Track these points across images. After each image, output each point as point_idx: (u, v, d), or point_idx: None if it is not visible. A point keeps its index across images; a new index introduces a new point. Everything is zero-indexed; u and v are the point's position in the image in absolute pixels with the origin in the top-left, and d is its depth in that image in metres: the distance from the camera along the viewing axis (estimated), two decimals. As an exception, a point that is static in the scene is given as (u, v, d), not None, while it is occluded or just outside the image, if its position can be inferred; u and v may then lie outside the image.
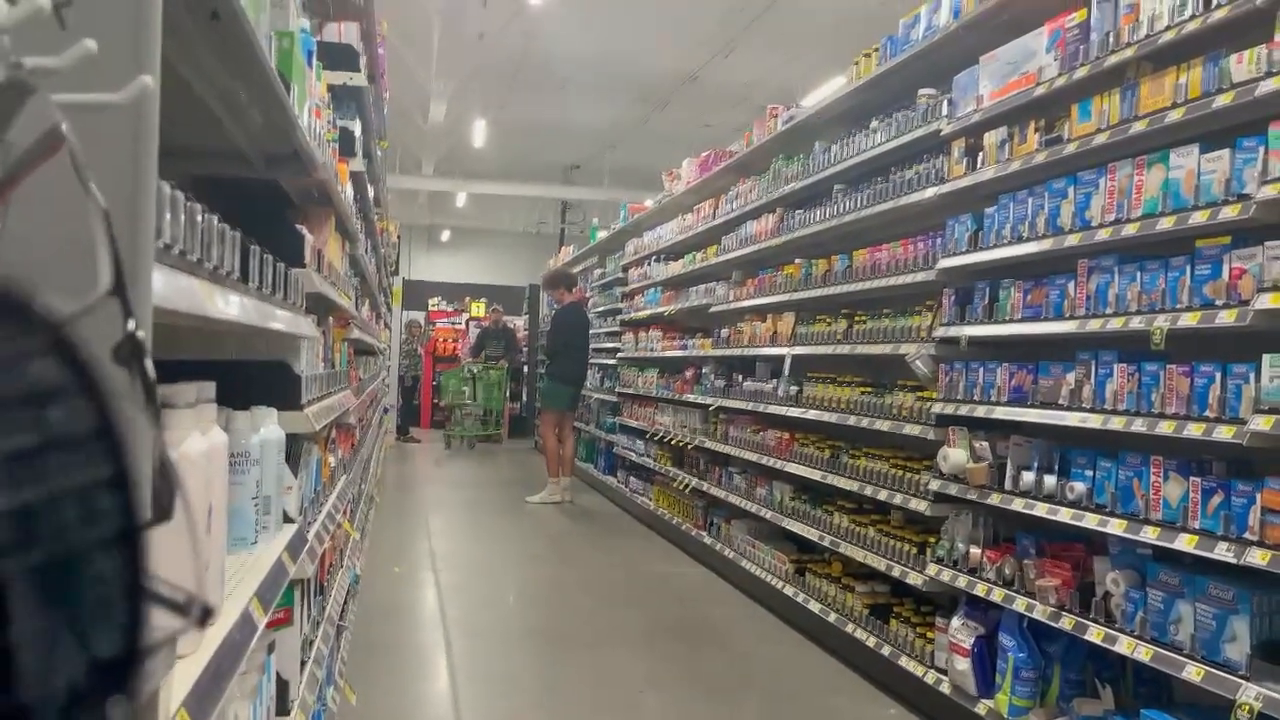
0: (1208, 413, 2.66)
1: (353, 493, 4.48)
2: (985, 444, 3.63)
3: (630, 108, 12.72)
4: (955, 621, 3.64)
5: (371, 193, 5.67)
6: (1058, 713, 3.19)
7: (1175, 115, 2.83)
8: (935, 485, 3.89)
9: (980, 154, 3.81)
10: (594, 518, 8.79)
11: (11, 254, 0.69)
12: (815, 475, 5.08)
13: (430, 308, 18.51)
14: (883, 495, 4.34)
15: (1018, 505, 3.37)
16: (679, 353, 7.99)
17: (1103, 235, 3.09)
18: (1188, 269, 2.79)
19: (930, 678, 3.80)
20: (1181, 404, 2.75)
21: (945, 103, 4.08)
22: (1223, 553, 2.52)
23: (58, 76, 0.52)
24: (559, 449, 9.26)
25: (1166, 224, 2.84)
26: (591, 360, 10.33)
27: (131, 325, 0.47)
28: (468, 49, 10.32)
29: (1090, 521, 3.01)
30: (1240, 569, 2.48)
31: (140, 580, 0.41)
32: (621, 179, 15.85)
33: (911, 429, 4.13)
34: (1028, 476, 3.35)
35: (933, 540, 3.96)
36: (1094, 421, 3.05)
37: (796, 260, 5.69)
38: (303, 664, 2.39)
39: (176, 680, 1.07)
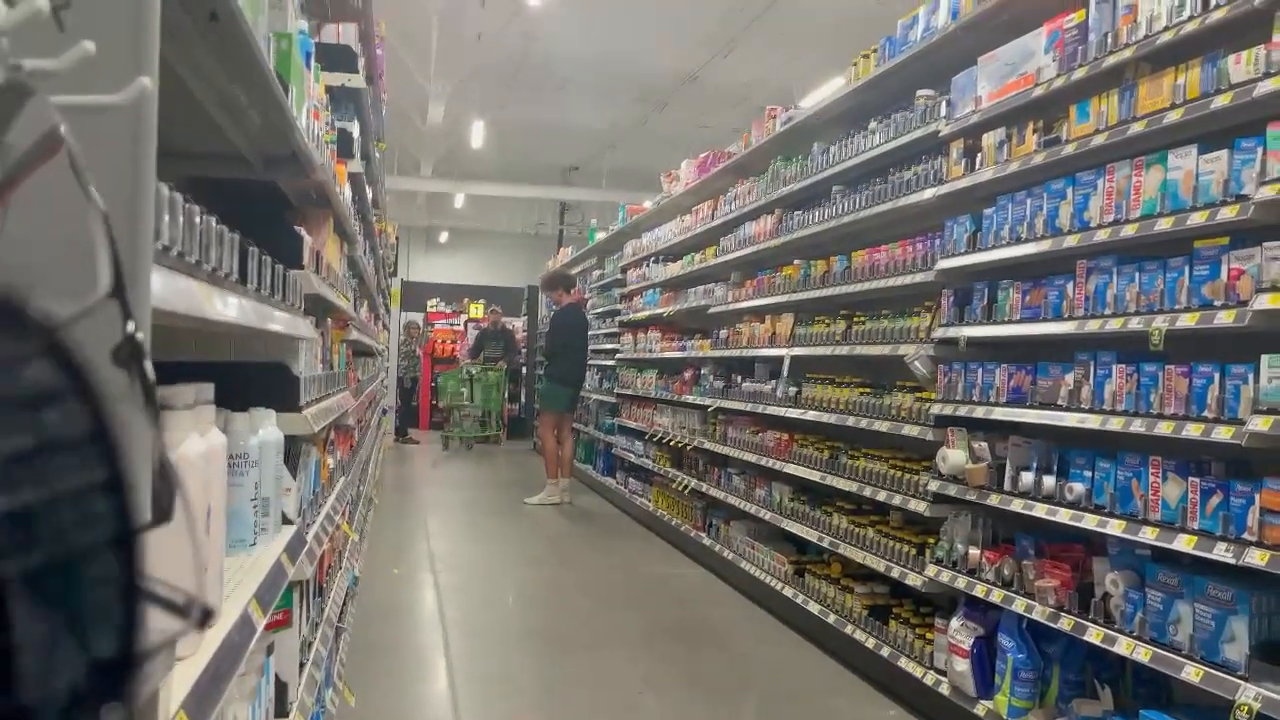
0: (1206, 413, 2.66)
1: (351, 494, 4.48)
2: (984, 445, 3.63)
3: (629, 109, 12.73)
4: (954, 622, 3.64)
5: (370, 194, 5.67)
6: (1057, 713, 3.19)
7: (1173, 116, 2.84)
8: (934, 486, 3.89)
9: (979, 155, 3.81)
10: (593, 519, 8.78)
11: (11, 256, 0.69)
12: (814, 476, 5.08)
13: (429, 309, 18.52)
14: (882, 496, 4.34)
15: (1017, 506, 3.38)
16: (678, 354, 7.99)
17: (1101, 236, 3.09)
18: (1186, 270, 2.80)
19: (929, 679, 3.80)
20: (1180, 404, 2.75)
21: (944, 104, 4.08)
22: (1221, 553, 2.52)
23: (56, 78, 0.52)
24: (558, 450, 9.25)
25: (1165, 225, 2.84)
26: (590, 361, 10.33)
27: (131, 327, 0.47)
28: (466, 50, 10.32)
29: (1089, 522, 3.02)
30: (1239, 569, 2.48)
31: (137, 583, 0.41)
32: (620, 180, 15.86)
33: (910, 430, 4.13)
34: (1026, 477, 3.35)
35: (932, 541, 3.96)
36: (1093, 422, 3.06)
37: (795, 261, 5.69)
38: (301, 666, 2.39)
39: (176, 682, 1.07)
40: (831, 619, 4.66)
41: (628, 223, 10.54)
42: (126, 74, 0.73)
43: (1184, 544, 2.65)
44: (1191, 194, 2.78)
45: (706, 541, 6.63)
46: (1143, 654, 2.73)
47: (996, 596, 3.40)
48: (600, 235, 12.48)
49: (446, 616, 5.24)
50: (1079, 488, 3.10)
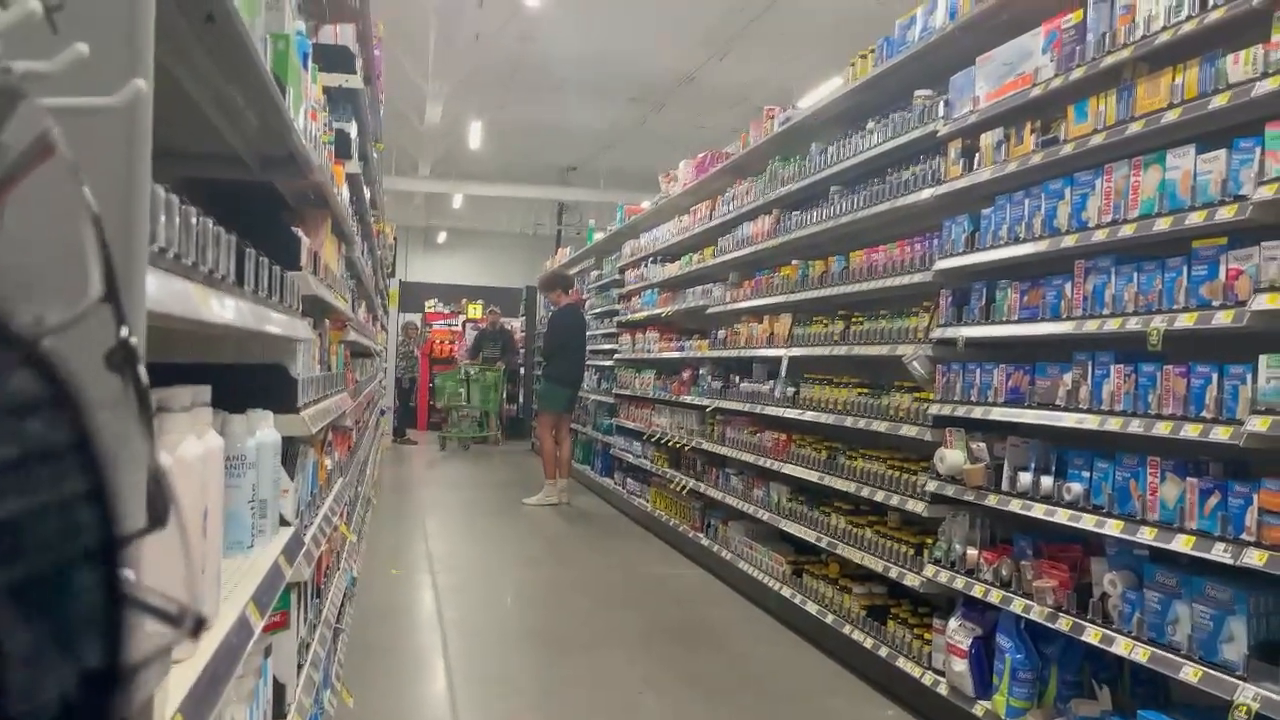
0: (1204, 413, 2.66)
1: (349, 495, 4.48)
2: (982, 445, 3.63)
3: (627, 109, 12.72)
4: (952, 622, 3.64)
5: (368, 195, 5.67)
6: (1055, 713, 3.19)
7: (1172, 116, 2.84)
8: (932, 486, 3.89)
9: (977, 155, 3.81)
10: (591, 519, 8.78)
11: (4, 260, 0.68)
12: (812, 476, 5.08)
13: (427, 309, 18.51)
14: (880, 496, 4.34)
15: (1015, 506, 3.37)
16: (676, 354, 7.99)
17: (1099, 236, 3.09)
18: (1184, 270, 2.79)
19: (928, 679, 3.80)
20: (1178, 405, 2.75)
21: (942, 104, 4.08)
22: (1220, 553, 2.52)
23: (49, 81, 0.52)
24: (556, 450, 9.25)
25: (1163, 225, 2.84)
26: (588, 362, 10.33)
27: (124, 332, 0.46)
28: (464, 50, 10.31)
29: (1087, 522, 3.01)
30: (1237, 570, 2.48)
31: (128, 591, 0.40)
32: (618, 180, 15.85)
33: (908, 430, 4.13)
34: (1025, 477, 3.35)
35: (930, 541, 3.96)
36: (1091, 422, 3.06)
37: (793, 261, 5.69)
38: (299, 667, 2.39)
39: (172, 685, 1.07)
40: (829, 619, 4.66)
41: (626, 223, 10.54)
42: (121, 76, 0.72)
43: (1182, 544, 2.65)
44: (1189, 194, 2.78)
45: (705, 542, 6.62)
46: (1141, 654, 2.73)
47: (994, 597, 3.40)
48: (598, 236, 12.48)
49: (445, 617, 5.24)
50: (1077, 488, 3.10)
